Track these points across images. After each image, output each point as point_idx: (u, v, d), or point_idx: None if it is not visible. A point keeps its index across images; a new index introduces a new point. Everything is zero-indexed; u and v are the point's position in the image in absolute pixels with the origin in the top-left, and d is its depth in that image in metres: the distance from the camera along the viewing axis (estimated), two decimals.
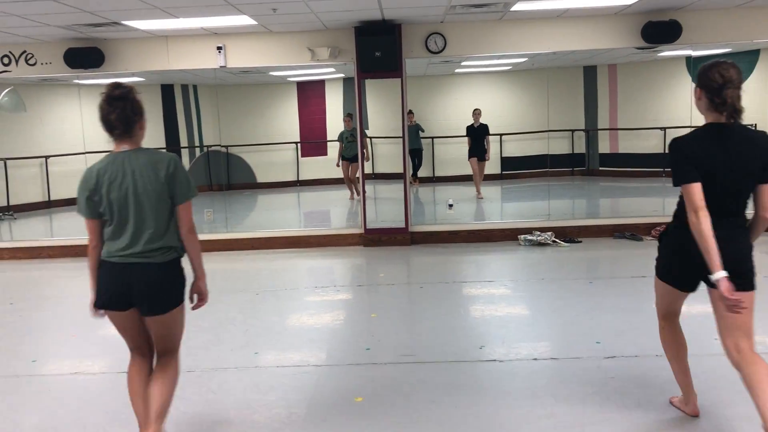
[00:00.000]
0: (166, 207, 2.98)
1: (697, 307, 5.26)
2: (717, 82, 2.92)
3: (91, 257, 3.15)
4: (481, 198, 11.04)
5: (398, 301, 5.90)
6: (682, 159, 2.95)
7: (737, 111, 2.95)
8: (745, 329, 3.03)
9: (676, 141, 3.02)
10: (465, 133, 11.38)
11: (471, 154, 11.29)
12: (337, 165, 11.75)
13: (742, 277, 2.95)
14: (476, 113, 11.19)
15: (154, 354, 3.21)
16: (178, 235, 3.03)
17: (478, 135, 11.22)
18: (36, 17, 6.68)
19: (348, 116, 11.48)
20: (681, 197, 3.06)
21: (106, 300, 3.04)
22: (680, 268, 3.23)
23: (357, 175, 10.89)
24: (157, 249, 2.97)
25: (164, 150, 12.49)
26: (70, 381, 4.24)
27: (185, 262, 3.10)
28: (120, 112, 2.93)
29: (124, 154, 3.00)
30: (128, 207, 2.96)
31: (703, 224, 2.85)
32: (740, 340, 3.02)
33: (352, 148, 10.90)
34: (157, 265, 2.96)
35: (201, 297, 3.20)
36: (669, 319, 3.52)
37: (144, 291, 2.95)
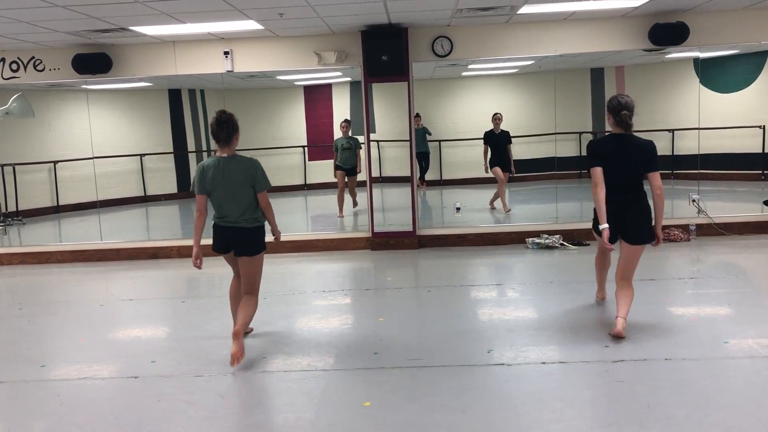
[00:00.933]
0: (250, 193, 4.59)
1: (706, 310, 5.25)
2: (615, 106, 4.66)
3: (199, 221, 4.69)
4: (509, 210, 10.04)
5: (406, 304, 5.89)
6: (592, 152, 4.70)
7: (629, 126, 4.65)
8: (628, 269, 4.81)
9: (591, 141, 4.87)
10: (483, 140, 10.32)
11: (493, 163, 10.19)
12: (334, 176, 10.68)
13: (627, 233, 4.69)
14: (496, 118, 10.16)
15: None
16: (257, 209, 4.66)
17: (499, 142, 10.17)
18: (44, 23, 6.72)
19: (345, 122, 10.62)
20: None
21: (217, 247, 4.77)
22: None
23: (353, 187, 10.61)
24: (246, 218, 4.64)
25: (172, 153, 12.22)
26: (78, 386, 4.24)
27: None
28: (225, 131, 4.47)
29: (224, 159, 4.55)
30: (224, 192, 4.56)
31: (599, 194, 4.61)
32: (623, 273, 4.82)
33: (350, 157, 10.49)
34: (245, 228, 4.64)
35: (277, 237, 4.94)
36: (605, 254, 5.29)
37: (238, 242, 4.67)
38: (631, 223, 4.66)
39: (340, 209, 10.53)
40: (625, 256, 4.77)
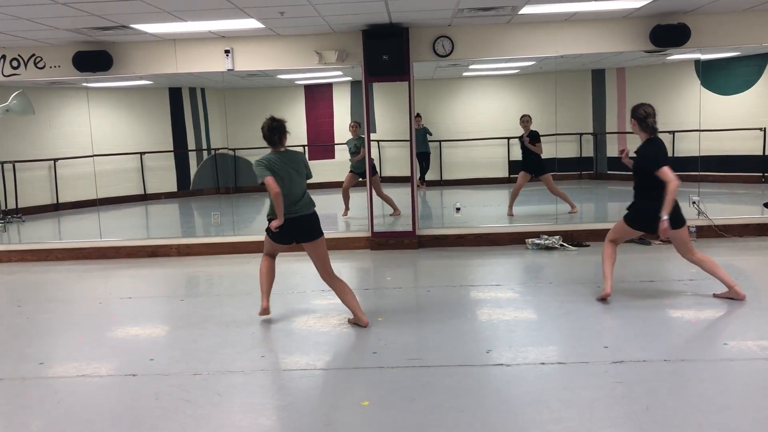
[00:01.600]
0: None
1: (705, 312, 5.24)
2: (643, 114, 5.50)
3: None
4: (512, 216, 9.71)
5: (405, 304, 5.88)
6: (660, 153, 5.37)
7: (655, 130, 5.47)
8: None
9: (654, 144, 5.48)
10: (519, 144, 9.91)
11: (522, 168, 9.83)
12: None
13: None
14: (525, 120, 9.64)
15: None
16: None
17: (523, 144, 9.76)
18: (45, 21, 6.72)
19: (355, 123, 10.04)
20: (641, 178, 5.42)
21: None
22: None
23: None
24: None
25: (172, 152, 12.24)
26: (76, 383, 4.24)
27: None
28: (279, 133, 5.14)
29: (282, 153, 5.18)
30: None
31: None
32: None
33: (359, 160, 9.73)
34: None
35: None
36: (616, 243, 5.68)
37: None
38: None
39: (347, 207, 10.22)
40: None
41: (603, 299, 5.52)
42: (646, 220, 5.31)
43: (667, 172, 5.12)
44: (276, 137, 5.13)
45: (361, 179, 9.87)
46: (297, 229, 5.14)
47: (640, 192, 5.44)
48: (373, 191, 8.79)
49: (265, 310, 5.35)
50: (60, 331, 5.47)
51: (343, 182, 10.31)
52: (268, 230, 5.25)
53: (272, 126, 5.12)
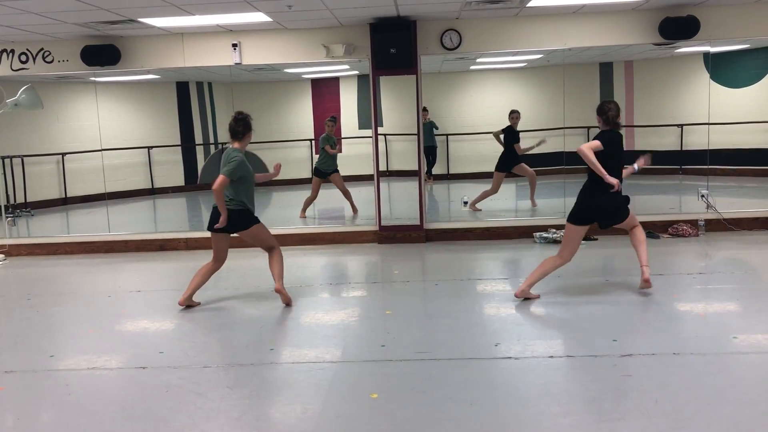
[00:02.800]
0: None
1: (714, 306, 5.23)
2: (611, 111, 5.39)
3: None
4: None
5: (413, 298, 5.89)
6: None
7: (618, 125, 5.41)
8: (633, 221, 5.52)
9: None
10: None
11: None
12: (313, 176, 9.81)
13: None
14: (513, 117, 9.85)
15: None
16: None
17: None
18: (53, 15, 6.73)
19: (331, 120, 9.87)
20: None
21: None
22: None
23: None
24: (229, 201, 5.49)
25: (180, 146, 12.23)
26: (87, 376, 4.26)
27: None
28: (243, 125, 5.52)
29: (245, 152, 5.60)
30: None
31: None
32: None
33: (330, 159, 9.70)
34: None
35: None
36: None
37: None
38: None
39: (354, 207, 9.93)
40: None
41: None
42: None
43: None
44: (240, 128, 5.46)
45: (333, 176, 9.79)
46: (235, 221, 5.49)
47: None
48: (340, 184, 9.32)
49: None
50: (70, 324, 5.50)
51: (354, 175, 10.24)
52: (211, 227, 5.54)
53: (237, 118, 5.47)
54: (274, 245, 5.71)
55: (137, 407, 3.73)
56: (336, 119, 10.00)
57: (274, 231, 8.38)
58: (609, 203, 5.24)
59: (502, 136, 9.94)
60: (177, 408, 3.68)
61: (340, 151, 9.33)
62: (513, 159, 9.84)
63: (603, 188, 5.16)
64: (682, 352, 4.21)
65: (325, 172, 9.73)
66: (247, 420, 3.53)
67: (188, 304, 5.70)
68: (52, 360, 4.59)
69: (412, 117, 8.27)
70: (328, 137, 9.81)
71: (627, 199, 5.39)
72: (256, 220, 5.60)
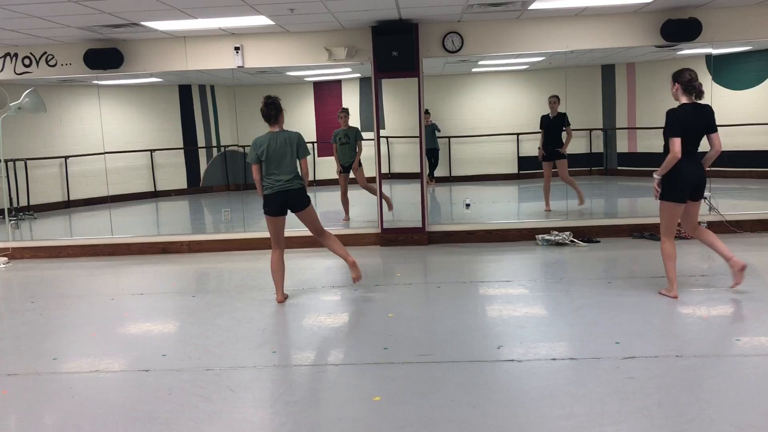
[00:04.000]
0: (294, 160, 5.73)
1: (717, 308, 5.22)
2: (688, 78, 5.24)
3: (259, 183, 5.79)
4: (548, 210, 9.57)
5: (415, 300, 5.89)
6: (675, 121, 5.17)
7: (700, 93, 5.27)
8: (694, 221, 5.54)
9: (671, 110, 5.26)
10: (540, 124, 9.88)
11: (546, 155, 9.75)
12: (338, 173, 9.66)
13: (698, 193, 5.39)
14: (552, 101, 9.45)
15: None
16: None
17: (553, 126, 9.64)
18: (56, 18, 6.76)
19: (344, 112, 9.50)
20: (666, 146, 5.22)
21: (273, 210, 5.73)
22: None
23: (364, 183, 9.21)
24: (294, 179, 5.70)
25: (182, 149, 12.28)
26: (90, 379, 4.27)
27: None
28: (275, 109, 5.73)
29: (276, 132, 5.75)
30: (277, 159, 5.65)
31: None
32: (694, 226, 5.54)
33: (347, 152, 9.45)
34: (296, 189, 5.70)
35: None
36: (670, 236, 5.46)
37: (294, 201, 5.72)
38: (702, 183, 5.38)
39: (347, 212, 9.79)
40: (694, 212, 5.51)
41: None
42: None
43: (673, 144, 5.16)
44: (272, 112, 5.66)
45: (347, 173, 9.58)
46: (287, 202, 5.70)
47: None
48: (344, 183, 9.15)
49: (281, 301, 5.84)
50: (73, 327, 5.51)
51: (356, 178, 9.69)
52: (264, 207, 5.76)
53: (267, 102, 5.68)
54: (322, 228, 6.00)
55: (140, 410, 3.73)
56: (348, 110, 9.61)
57: None
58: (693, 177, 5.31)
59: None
60: (180, 411, 3.69)
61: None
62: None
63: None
64: (685, 354, 4.21)
65: (346, 166, 9.54)
66: (249, 422, 3.53)
67: (285, 297, 5.93)
68: (55, 363, 4.60)
69: (414, 119, 8.28)
70: (346, 132, 9.51)
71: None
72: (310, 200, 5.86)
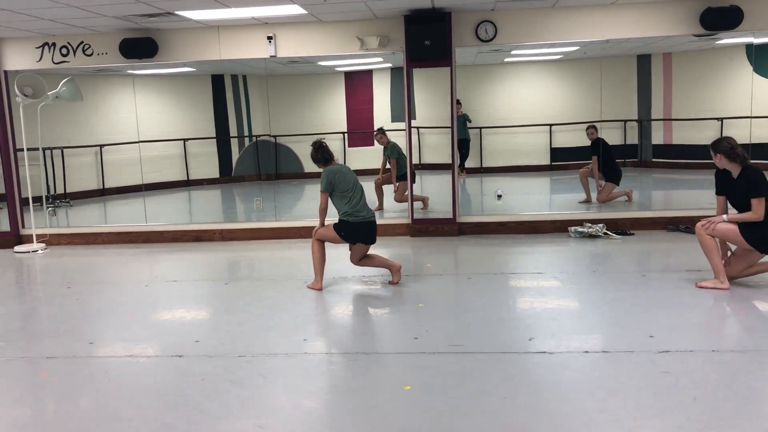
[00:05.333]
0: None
1: (755, 302, 5.11)
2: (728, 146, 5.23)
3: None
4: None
5: (445, 291, 5.87)
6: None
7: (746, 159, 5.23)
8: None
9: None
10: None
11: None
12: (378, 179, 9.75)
13: None
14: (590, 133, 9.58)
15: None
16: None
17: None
18: (93, 8, 6.85)
19: (379, 132, 9.55)
20: None
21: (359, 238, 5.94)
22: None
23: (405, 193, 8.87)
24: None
25: (215, 138, 12.37)
26: (125, 363, 4.34)
27: None
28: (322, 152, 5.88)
29: (339, 165, 5.89)
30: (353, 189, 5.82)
31: None
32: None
33: (398, 165, 9.27)
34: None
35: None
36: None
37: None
38: None
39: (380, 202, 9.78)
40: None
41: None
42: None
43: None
44: (320, 156, 5.83)
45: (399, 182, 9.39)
46: (365, 232, 5.90)
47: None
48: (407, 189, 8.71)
49: (319, 289, 5.93)
50: (108, 312, 5.60)
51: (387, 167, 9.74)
52: (338, 228, 5.85)
53: (316, 147, 5.85)
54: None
55: (174, 394, 3.78)
56: (382, 129, 9.60)
57: (306, 223, 8.49)
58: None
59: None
60: (212, 396, 3.73)
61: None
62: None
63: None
64: (721, 349, 4.13)
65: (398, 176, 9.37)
66: (282, 409, 3.56)
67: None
68: (92, 347, 4.68)
69: (446, 110, 8.23)
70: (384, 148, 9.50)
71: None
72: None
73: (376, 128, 9.94)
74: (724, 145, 5.23)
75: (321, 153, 5.83)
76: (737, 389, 3.55)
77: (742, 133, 9.08)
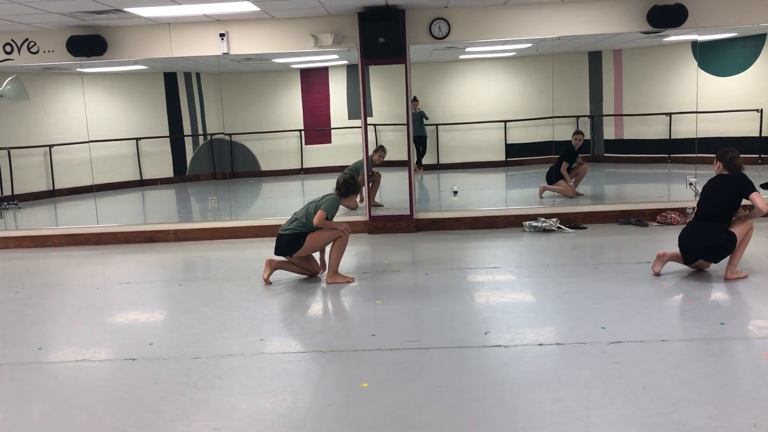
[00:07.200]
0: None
1: (702, 292, 5.26)
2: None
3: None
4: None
5: (403, 287, 5.90)
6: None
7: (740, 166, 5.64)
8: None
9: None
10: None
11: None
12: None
13: None
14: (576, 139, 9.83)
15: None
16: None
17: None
18: (38, 4, 6.66)
19: (381, 149, 8.93)
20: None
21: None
22: None
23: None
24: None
25: (168, 137, 12.13)
26: (76, 368, 4.25)
27: None
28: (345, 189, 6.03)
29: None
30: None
31: None
32: None
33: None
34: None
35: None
36: None
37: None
38: None
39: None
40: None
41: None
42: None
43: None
44: (343, 190, 5.98)
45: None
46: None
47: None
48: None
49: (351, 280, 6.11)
50: (58, 316, 5.47)
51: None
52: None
53: (351, 182, 6.04)
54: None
55: (127, 399, 3.72)
56: (384, 148, 9.06)
57: (262, 222, 8.43)
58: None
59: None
60: (167, 399, 3.68)
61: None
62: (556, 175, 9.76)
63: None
64: (670, 338, 4.25)
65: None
66: (237, 410, 3.53)
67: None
68: (41, 353, 4.57)
69: (402, 107, 8.25)
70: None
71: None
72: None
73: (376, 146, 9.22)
74: (729, 156, 5.70)
75: (349, 188, 6.01)
76: (685, 377, 3.66)
77: (688, 128, 9.35)
